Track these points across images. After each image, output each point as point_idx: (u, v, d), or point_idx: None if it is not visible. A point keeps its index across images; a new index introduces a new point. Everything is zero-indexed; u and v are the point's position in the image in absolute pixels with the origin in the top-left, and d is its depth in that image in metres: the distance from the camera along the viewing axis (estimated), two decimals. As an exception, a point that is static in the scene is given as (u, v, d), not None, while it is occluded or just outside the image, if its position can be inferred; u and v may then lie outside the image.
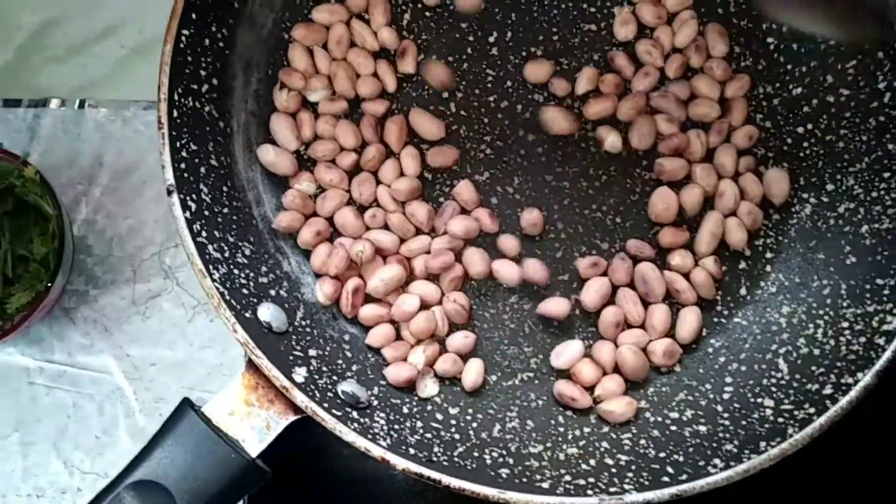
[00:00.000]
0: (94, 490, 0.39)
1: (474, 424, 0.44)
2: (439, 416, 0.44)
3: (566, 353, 0.46)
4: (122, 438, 0.52)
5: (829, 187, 0.49)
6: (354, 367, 0.45)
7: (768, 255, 0.49)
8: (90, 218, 0.54)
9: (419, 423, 0.43)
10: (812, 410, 0.41)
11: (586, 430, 0.45)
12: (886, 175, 0.46)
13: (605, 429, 0.45)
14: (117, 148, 0.55)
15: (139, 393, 0.52)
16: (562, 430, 0.45)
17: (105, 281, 0.53)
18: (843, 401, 0.40)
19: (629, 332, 0.47)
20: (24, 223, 0.50)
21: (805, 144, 0.50)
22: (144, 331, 0.53)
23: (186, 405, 0.39)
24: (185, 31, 0.44)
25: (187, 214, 0.41)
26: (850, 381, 0.41)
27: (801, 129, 0.50)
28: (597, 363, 0.46)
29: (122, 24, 0.57)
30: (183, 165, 0.42)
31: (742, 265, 0.49)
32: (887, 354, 0.41)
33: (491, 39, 0.51)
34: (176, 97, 0.43)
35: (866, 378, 0.41)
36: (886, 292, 0.43)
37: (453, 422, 0.44)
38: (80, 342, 0.53)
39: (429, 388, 0.45)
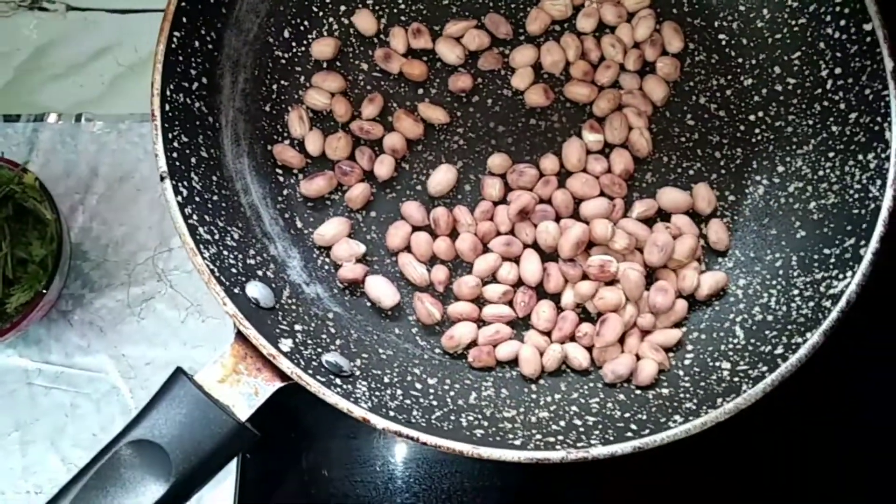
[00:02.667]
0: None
1: (451, 393, 0.47)
2: (418, 386, 0.47)
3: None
4: None
5: (780, 169, 0.52)
6: (338, 342, 0.47)
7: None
8: (86, 225, 0.56)
9: (399, 391, 0.46)
10: (765, 369, 0.44)
11: (557, 396, 0.47)
12: (831, 155, 0.50)
13: (575, 395, 0.47)
14: (112, 159, 0.57)
15: (135, 391, 0.53)
16: (534, 396, 0.47)
17: (101, 285, 0.55)
18: (793, 358, 0.43)
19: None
20: (22, 227, 0.51)
21: (757, 131, 0.53)
22: (139, 331, 0.54)
23: (180, 373, 0.42)
24: (177, 33, 0.47)
25: (179, 199, 0.44)
26: (800, 340, 0.44)
27: (752, 117, 0.53)
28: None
29: (117, 43, 0.59)
30: (175, 155, 0.46)
31: (702, 243, 0.52)
32: (833, 315, 0.44)
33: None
34: (168, 93, 0.46)
35: (814, 337, 0.44)
36: (833, 260, 0.46)
37: (431, 391, 0.47)
38: (78, 343, 0.54)
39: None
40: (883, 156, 0.46)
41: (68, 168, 0.57)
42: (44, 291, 0.49)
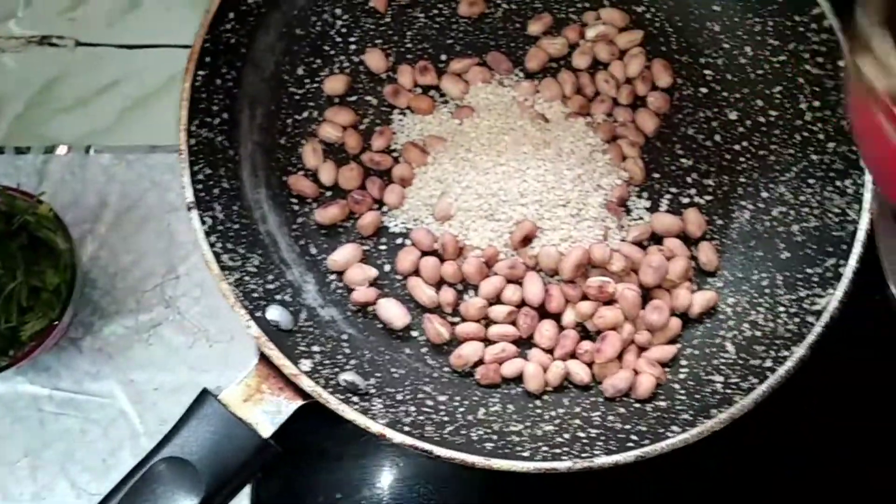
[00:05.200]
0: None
1: (461, 409, 0.49)
2: (430, 403, 0.49)
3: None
4: (127, 460, 0.52)
5: (764, 195, 0.55)
6: (353, 362, 0.50)
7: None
8: (95, 254, 0.57)
9: (412, 408, 0.48)
10: (755, 381, 0.46)
11: (560, 410, 0.50)
12: (811, 181, 0.53)
13: (577, 409, 0.50)
14: (121, 189, 0.58)
15: (143, 416, 0.54)
16: (539, 411, 0.50)
17: (110, 312, 0.55)
18: (781, 370, 0.46)
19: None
20: (36, 257, 0.52)
21: (742, 159, 0.56)
22: (147, 357, 0.55)
23: (207, 393, 0.44)
24: (201, 72, 0.50)
25: (205, 228, 0.47)
26: (787, 353, 0.47)
27: (737, 147, 0.57)
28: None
29: (125, 78, 0.61)
30: (199, 186, 0.48)
31: (693, 264, 0.55)
32: (816, 329, 0.47)
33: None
34: (193, 128, 0.49)
35: (800, 350, 0.47)
36: (815, 279, 0.50)
37: (442, 407, 0.49)
38: (87, 370, 0.54)
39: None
40: (859, 181, 0.50)
41: (77, 198, 0.58)
42: (58, 319, 0.50)
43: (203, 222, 0.47)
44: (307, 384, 0.45)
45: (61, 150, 0.59)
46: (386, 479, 0.54)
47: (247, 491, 0.53)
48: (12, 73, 0.61)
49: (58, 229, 0.51)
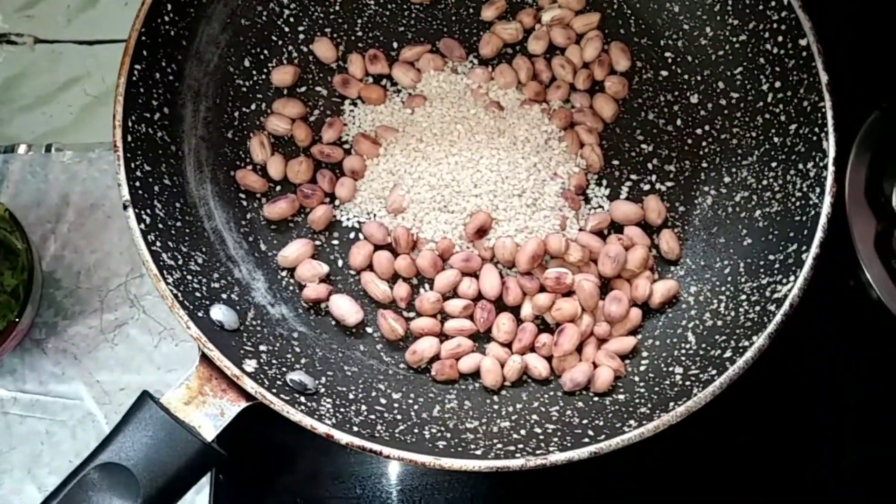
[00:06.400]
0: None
1: (416, 407, 0.48)
2: (383, 401, 0.48)
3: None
4: None
5: (727, 179, 0.54)
6: (303, 360, 0.48)
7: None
8: (58, 253, 0.56)
9: (364, 407, 0.47)
10: (714, 372, 0.45)
11: (518, 405, 0.49)
12: (774, 165, 0.52)
13: (535, 404, 0.49)
14: (83, 187, 0.57)
15: (110, 417, 0.54)
16: (496, 407, 0.49)
17: (74, 312, 0.55)
18: (741, 361, 0.45)
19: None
20: None
21: (703, 144, 0.55)
22: (113, 357, 0.55)
23: (146, 396, 0.43)
24: (137, 66, 0.48)
25: (142, 227, 0.45)
26: (747, 343, 0.46)
27: (699, 131, 0.55)
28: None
29: (85, 74, 0.60)
30: (137, 184, 0.47)
31: (654, 253, 0.53)
32: (777, 318, 0.46)
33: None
34: (130, 124, 0.47)
35: (759, 340, 0.45)
36: (777, 266, 0.48)
37: (396, 405, 0.48)
38: (52, 371, 0.54)
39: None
40: (821, 164, 0.49)
41: (39, 197, 0.57)
42: (16, 321, 0.49)
43: (140, 220, 0.45)
44: (250, 385, 0.43)
45: (21, 149, 0.59)
46: (349, 474, 0.53)
47: (206, 493, 0.52)
48: (-30, 72, 0.60)
49: (14, 230, 0.51)
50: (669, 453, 0.53)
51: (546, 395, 0.49)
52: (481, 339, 0.51)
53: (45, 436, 0.53)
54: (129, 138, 0.47)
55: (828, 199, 0.48)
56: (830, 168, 0.48)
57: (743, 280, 0.50)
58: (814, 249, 0.47)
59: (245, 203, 0.53)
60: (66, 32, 0.61)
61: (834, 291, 0.56)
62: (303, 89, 0.56)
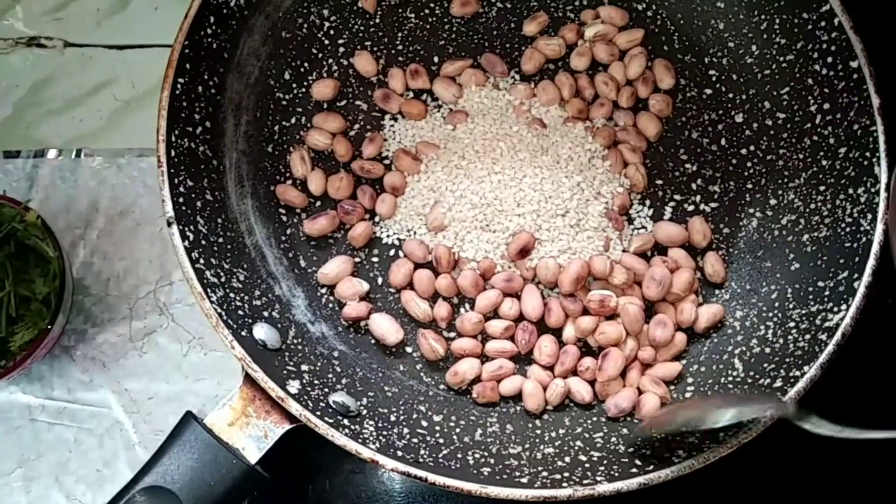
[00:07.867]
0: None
1: (457, 430, 0.48)
2: (424, 423, 0.47)
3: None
4: (122, 470, 0.52)
5: (773, 202, 0.53)
6: (344, 381, 0.48)
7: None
8: (87, 260, 0.56)
9: (406, 430, 0.46)
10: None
11: (561, 431, 0.48)
12: (822, 188, 0.51)
13: (579, 430, 0.48)
14: (112, 193, 0.57)
15: (138, 426, 0.53)
16: (539, 432, 0.48)
17: (103, 319, 0.55)
18: (792, 392, 0.44)
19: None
20: (25, 265, 0.51)
21: (749, 164, 0.54)
22: (141, 366, 0.54)
23: (190, 417, 0.42)
24: (181, 79, 0.48)
25: (186, 244, 0.45)
26: (798, 373, 0.45)
27: (744, 151, 0.55)
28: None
29: (115, 79, 0.60)
30: (181, 199, 0.46)
31: (699, 276, 0.53)
32: (829, 348, 0.45)
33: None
34: (173, 138, 0.47)
35: (811, 370, 0.45)
36: (827, 293, 0.48)
37: (437, 428, 0.47)
38: (80, 379, 0.54)
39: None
40: (872, 190, 0.48)
41: (68, 203, 0.57)
42: (48, 328, 0.49)
43: (185, 238, 0.45)
44: (295, 408, 0.43)
45: (51, 153, 0.58)
46: (382, 493, 0.52)
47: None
48: (0, 75, 0.60)
49: (46, 237, 0.51)
50: (714, 485, 0.51)
51: (589, 421, 0.49)
52: (522, 361, 0.51)
53: (73, 444, 0.53)
54: (173, 153, 0.46)
55: (880, 227, 0.47)
56: (882, 194, 0.47)
57: (791, 306, 0.49)
58: (866, 278, 0.46)
59: (285, 218, 0.53)
60: (96, 36, 0.61)
61: (873, 310, 0.55)
62: (343, 103, 0.55)
